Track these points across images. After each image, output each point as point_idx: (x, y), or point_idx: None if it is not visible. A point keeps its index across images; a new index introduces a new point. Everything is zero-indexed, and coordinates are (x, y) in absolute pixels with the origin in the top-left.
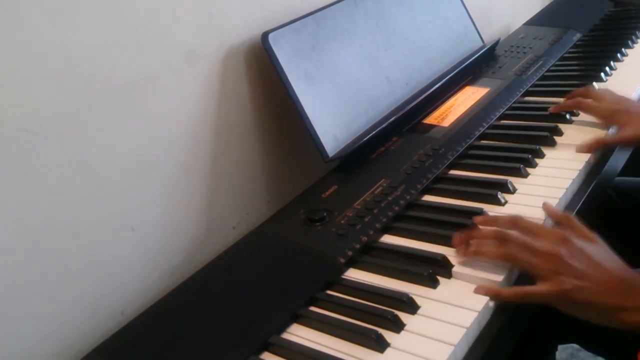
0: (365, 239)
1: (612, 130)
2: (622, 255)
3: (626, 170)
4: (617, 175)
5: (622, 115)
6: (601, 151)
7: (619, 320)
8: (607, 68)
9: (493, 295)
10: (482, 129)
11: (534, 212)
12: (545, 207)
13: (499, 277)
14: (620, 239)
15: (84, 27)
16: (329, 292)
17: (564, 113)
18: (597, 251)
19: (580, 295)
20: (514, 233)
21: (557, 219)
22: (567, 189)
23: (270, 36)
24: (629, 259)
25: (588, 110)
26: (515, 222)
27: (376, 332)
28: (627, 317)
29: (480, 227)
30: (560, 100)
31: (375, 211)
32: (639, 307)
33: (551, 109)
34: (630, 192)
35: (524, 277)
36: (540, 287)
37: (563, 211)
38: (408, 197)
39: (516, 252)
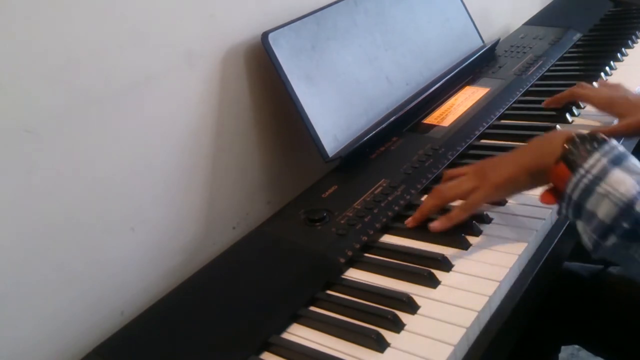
0: (365, 239)
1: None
2: None
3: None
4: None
5: (621, 103)
6: None
7: (540, 172)
8: (607, 68)
9: (447, 223)
10: (482, 129)
11: (534, 211)
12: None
13: (500, 277)
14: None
15: (84, 27)
16: (329, 292)
17: (564, 113)
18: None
19: (503, 174)
20: (442, 184)
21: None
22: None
23: (270, 36)
24: None
25: (585, 98)
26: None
27: (376, 332)
28: (546, 161)
29: None
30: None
31: (375, 211)
32: (551, 153)
33: (545, 102)
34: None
35: (524, 275)
36: (474, 195)
37: None
38: (408, 197)
39: (444, 189)
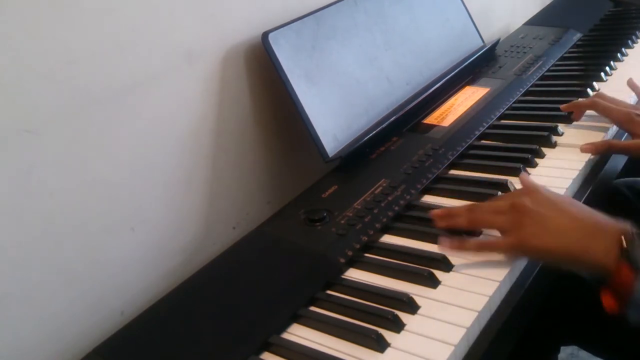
0: (365, 239)
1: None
2: None
3: (626, 170)
4: (617, 175)
5: (638, 121)
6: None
7: (585, 263)
8: (607, 68)
9: (458, 248)
10: (482, 129)
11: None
12: (521, 177)
13: (500, 277)
14: None
15: (83, 27)
16: (329, 292)
17: (564, 113)
18: (565, 200)
19: (539, 242)
20: (483, 202)
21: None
22: (567, 188)
23: (271, 36)
24: None
25: (605, 111)
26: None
27: (376, 332)
28: (594, 259)
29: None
30: (561, 100)
31: (375, 211)
32: (603, 249)
33: (564, 106)
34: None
35: (524, 275)
36: (501, 239)
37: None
38: (408, 197)
39: (478, 216)
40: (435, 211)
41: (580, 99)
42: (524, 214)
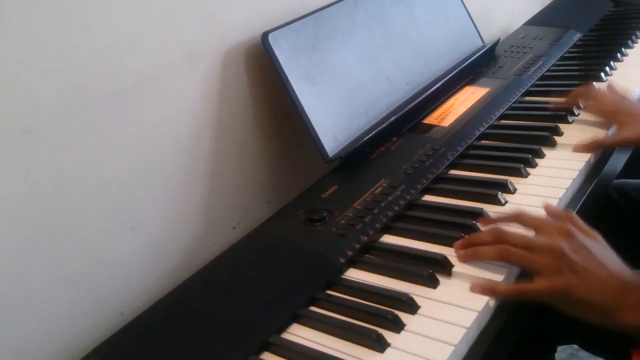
0: (365, 239)
1: (611, 131)
2: (623, 256)
3: (626, 170)
4: (618, 176)
5: (622, 116)
6: (600, 151)
7: (617, 321)
8: (607, 68)
9: (488, 292)
10: (482, 129)
11: (534, 212)
12: (547, 207)
13: (500, 277)
14: (622, 239)
15: (83, 27)
16: (329, 292)
17: (563, 113)
18: (599, 248)
19: (579, 293)
20: (512, 231)
21: (558, 218)
22: (567, 188)
23: (270, 36)
24: (630, 260)
25: (588, 110)
26: (517, 217)
27: (376, 332)
28: (625, 318)
29: (481, 227)
30: (561, 100)
31: (375, 211)
32: (636, 307)
33: (552, 106)
34: (632, 193)
35: (524, 275)
36: (537, 284)
37: (564, 210)
38: (408, 197)
39: (512, 250)
40: (457, 244)
41: (566, 100)
42: (562, 260)
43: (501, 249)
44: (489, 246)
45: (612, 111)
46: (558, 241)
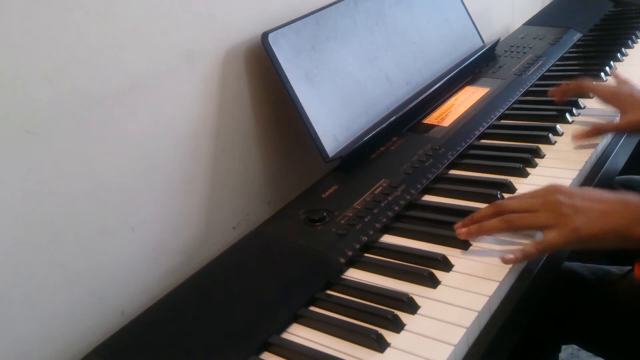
0: (365, 239)
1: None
2: (631, 252)
3: (631, 166)
4: (622, 172)
5: (625, 98)
6: (600, 153)
7: (632, 238)
8: (607, 68)
9: (522, 258)
10: (482, 129)
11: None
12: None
13: (500, 277)
14: None
15: (83, 27)
16: (329, 292)
17: (562, 108)
18: (589, 190)
19: (589, 228)
20: (510, 202)
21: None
22: None
23: (270, 36)
24: (638, 255)
25: (591, 89)
26: (498, 207)
27: (376, 332)
28: (637, 231)
29: (458, 231)
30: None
31: (375, 211)
32: None
33: (550, 91)
34: (638, 189)
35: (524, 275)
36: (550, 237)
37: None
38: (408, 197)
39: (515, 217)
40: (461, 232)
41: (565, 84)
42: (563, 207)
43: (504, 218)
44: (493, 219)
45: (614, 93)
46: (553, 195)
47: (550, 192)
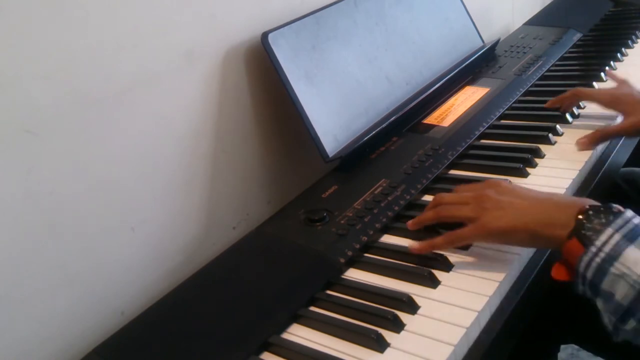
0: (365, 239)
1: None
2: None
3: (633, 159)
4: (625, 164)
5: (625, 100)
6: (599, 155)
7: (543, 238)
8: (607, 68)
9: (429, 247)
10: (482, 129)
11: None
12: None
13: (500, 277)
14: None
15: (84, 27)
16: (329, 292)
17: (561, 112)
18: (526, 189)
19: (501, 223)
20: (448, 194)
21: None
22: (566, 189)
23: (270, 36)
24: None
25: (588, 96)
26: (439, 201)
27: (376, 332)
28: (550, 233)
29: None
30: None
31: (375, 211)
32: (561, 224)
33: (548, 103)
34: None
35: (524, 275)
36: (464, 230)
37: None
38: (408, 197)
39: (444, 209)
40: (409, 223)
41: (562, 94)
42: (487, 202)
43: (437, 209)
44: (429, 211)
45: (613, 96)
46: (484, 190)
47: (484, 187)
